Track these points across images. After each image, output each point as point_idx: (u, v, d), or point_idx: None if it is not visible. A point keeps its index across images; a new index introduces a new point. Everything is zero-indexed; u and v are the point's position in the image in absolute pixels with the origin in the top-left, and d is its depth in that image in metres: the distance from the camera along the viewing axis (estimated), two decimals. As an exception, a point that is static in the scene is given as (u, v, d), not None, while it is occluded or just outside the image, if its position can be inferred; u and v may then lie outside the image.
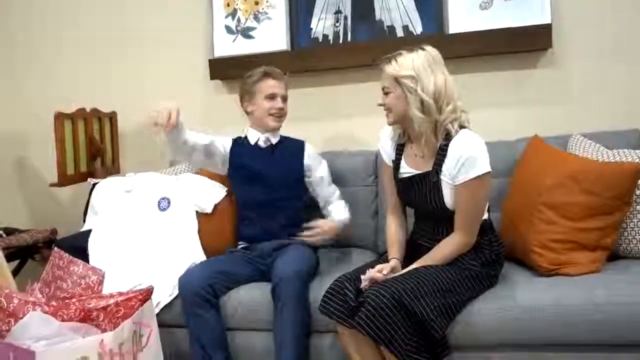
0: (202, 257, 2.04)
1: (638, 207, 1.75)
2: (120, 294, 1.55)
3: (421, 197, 1.68)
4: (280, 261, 1.85)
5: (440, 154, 1.62)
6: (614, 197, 1.68)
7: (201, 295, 1.79)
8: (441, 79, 1.59)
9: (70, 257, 1.70)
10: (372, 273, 1.60)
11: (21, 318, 1.37)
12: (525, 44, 2.27)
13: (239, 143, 2.17)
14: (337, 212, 2.14)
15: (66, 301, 1.44)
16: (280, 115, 2.12)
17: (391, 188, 1.83)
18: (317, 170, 2.17)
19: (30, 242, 2.79)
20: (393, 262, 1.68)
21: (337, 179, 2.29)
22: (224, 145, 2.15)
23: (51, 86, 2.95)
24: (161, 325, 1.83)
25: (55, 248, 1.72)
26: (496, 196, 2.12)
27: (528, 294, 1.61)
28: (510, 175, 2.09)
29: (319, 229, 1.91)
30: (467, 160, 1.57)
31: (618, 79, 2.27)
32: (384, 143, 1.85)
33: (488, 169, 1.59)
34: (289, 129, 2.60)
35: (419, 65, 1.58)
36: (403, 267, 1.67)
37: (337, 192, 2.21)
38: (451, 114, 1.59)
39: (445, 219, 1.65)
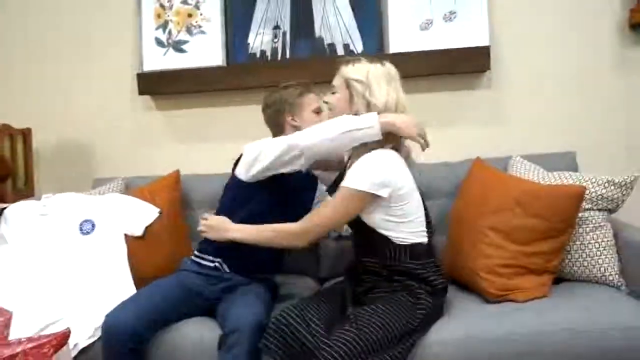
0: (131, 288, 1.85)
1: (579, 229, 1.75)
2: (30, 339, 1.34)
3: None
4: (234, 308, 1.65)
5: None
6: (560, 220, 1.66)
7: (128, 348, 1.57)
8: (393, 95, 1.58)
9: None
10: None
11: None
12: (464, 65, 2.27)
13: None
14: None
15: (-37, 352, 1.22)
16: None
17: None
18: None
19: None
20: None
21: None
22: None
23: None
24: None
25: None
26: (438, 218, 2.09)
27: (479, 324, 1.54)
28: (452, 197, 2.06)
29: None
30: (355, 168, 1.55)
31: (554, 101, 2.31)
32: None
33: (364, 188, 1.50)
34: (221, 148, 2.47)
35: (372, 75, 1.59)
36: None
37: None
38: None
39: (362, 233, 1.61)
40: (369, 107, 1.57)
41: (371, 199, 1.52)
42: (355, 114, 1.58)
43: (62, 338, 1.37)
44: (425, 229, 1.63)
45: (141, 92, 2.47)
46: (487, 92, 2.34)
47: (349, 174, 1.55)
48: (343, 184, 1.54)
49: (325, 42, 2.37)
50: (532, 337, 1.48)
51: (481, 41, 2.25)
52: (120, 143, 2.57)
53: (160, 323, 1.66)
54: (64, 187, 2.36)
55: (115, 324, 1.57)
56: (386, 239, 1.57)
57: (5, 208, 2.01)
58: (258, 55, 2.41)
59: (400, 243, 1.57)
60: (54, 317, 1.73)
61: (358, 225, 1.61)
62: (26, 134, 2.50)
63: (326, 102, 1.71)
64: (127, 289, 1.86)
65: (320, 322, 1.48)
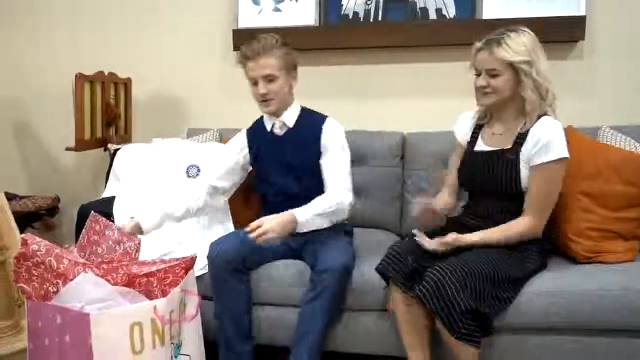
0: (231, 227, 2.02)
1: (672, 199, 1.78)
2: (162, 261, 1.51)
3: (492, 174, 1.69)
4: (326, 251, 1.75)
5: (522, 135, 1.64)
6: (653, 189, 1.71)
7: (232, 266, 1.74)
8: (544, 62, 1.62)
9: (107, 221, 1.64)
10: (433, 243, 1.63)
11: (71, 280, 1.32)
12: (558, 34, 2.27)
13: (255, 131, 1.98)
14: (313, 202, 1.77)
15: (113, 265, 1.39)
16: (266, 100, 1.83)
17: (456, 169, 1.86)
18: (329, 147, 1.87)
19: (32, 209, 2.70)
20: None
21: (362, 158, 2.28)
22: (240, 147, 1.97)
23: (63, 47, 2.84)
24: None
25: (92, 212, 1.66)
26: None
27: (569, 280, 1.63)
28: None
29: (259, 229, 1.62)
30: (546, 144, 1.59)
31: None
32: (463, 123, 1.86)
33: (566, 154, 1.60)
34: (310, 106, 2.57)
35: (530, 48, 1.60)
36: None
37: (340, 179, 1.85)
38: (550, 99, 1.65)
39: (509, 198, 1.67)
40: (535, 84, 1.60)
41: None
42: (528, 95, 1.61)
43: (191, 262, 1.53)
44: None
45: (235, 47, 2.58)
46: (579, 63, 2.34)
47: (547, 147, 1.58)
48: (546, 159, 1.58)
49: (418, 6, 2.41)
50: (621, 293, 1.56)
51: (577, 10, 2.25)
52: (213, 96, 2.72)
53: (257, 251, 1.77)
54: (158, 134, 2.53)
55: (220, 248, 1.75)
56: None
57: (119, 149, 2.19)
58: (350, 16, 2.47)
59: None
60: (165, 249, 1.91)
61: (502, 187, 1.66)
62: (127, 83, 2.67)
63: (484, 87, 1.65)
64: (228, 229, 2.01)
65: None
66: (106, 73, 2.49)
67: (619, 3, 2.29)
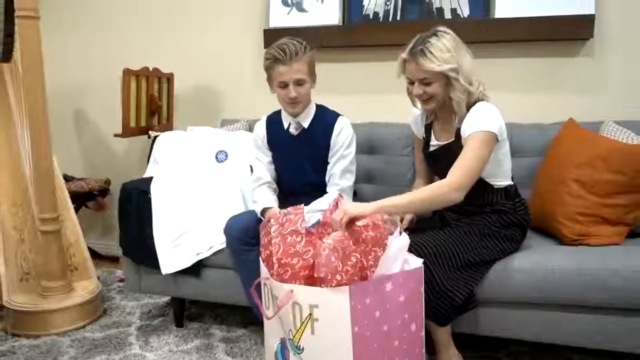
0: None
1: (661, 188, 1.87)
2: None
3: (448, 166, 1.79)
4: None
5: (461, 124, 1.78)
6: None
7: (241, 238, 1.92)
8: (468, 59, 1.74)
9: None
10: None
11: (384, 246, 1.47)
12: (568, 33, 2.37)
13: (273, 122, 2.11)
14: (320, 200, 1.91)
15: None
16: (295, 102, 1.96)
17: (420, 157, 2.07)
18: (337, 144, 2.02)
19: (87, 190, 3.02)
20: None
21: (376, 148, 2.47)
22: (263, 135, 2.10)
23: (114, 46, 3.17)
24: (217, 266, 2.10)
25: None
26: (525, 174, 2.25)
27: (551, 259, 1.75)
28: (540, 155, 2.22)
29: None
30: (474, 118, 1.71)
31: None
32: (416, 119, 2.08)
33: (492, 129, 1.68)
34: (333, 100, 2.77)
35: (454, 52, 1.70)
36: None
37: (343, 181, 2.01)
38: (477, 89, 1.77)
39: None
40: (464, 87, 1.72)
41: (495, 142, 1.71)
42: (456, 95, 1.73)
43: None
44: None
45: (266, 46, 2.81)
46: (588, 60, 2.43)
47: (472, 121, 1.71)
48: (474, 129, 1.68)
49: (434, 6, 2.57)
50: (596, 273, 1.68)
51: (587, 9, 2.34)
52: (245, 90, 2.97)
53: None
54: (194, 124, 2.80)
55: (232, 222, 1.98)
56: (487, 184, 1.80)
57: (158, 135, 2.46)
58: (371, 16, 2.66)
59: (498, 187, 1.81)
60: (189, 226, 2.16)
61: None
62: (170, 77, 2.95)
63: (421, 95, 1.78)
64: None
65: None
66: (151, 69, 2.78)
67: (626, 2, 2.36)
